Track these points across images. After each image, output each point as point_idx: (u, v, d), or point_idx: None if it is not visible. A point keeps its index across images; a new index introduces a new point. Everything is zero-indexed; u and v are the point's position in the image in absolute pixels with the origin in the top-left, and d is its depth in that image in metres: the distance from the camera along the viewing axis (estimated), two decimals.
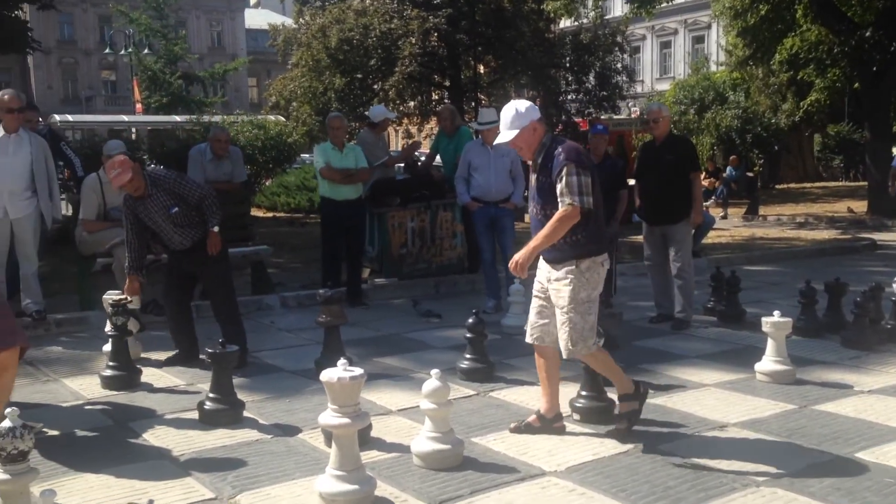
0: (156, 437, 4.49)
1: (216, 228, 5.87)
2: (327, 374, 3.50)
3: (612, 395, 4.78)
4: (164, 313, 7.15)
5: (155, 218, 5.77)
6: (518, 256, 4.25)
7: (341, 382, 3.45)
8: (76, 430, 4.63)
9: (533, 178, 4.37)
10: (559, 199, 4.15)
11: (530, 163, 4.37)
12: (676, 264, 7.14)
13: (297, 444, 4.37)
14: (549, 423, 4.46)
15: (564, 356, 4.34)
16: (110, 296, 5.79)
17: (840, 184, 29.23)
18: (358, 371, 3.53)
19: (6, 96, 6.62)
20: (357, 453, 3.56)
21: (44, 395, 5.32)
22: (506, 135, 4.28)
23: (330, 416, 3.50)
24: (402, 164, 10.52)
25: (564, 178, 4.12)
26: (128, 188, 5.65)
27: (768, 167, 27.86)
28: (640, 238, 7.85)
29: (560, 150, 4.20)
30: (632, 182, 7.76)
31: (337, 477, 3.49)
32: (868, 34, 16.06)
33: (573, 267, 4.21)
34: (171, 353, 6.07)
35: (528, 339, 4.51)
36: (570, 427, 4.56)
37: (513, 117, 4.24)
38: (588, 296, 4.23)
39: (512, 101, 4.43)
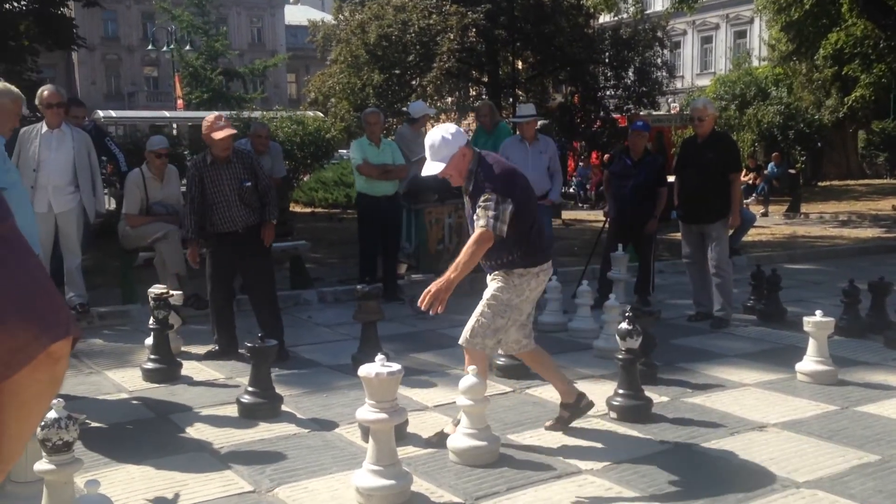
0: (196, 429, 4.55)
1: (274, 221, 6.01)
2: (365, 370, 3.52)
3: (650, 393, 4.76)
4: (205, 307, 7.25)
5: (224, 187, 5.84)
6: (435, 287, 3.99)
7: (379, 378, 3.47)
8: (118, 421, 4.72)
9: (467, 203, 4.31)
10: (476, 223, 4.07)
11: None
12: (713, 262, 7.07)
13: (333, 438, 4.40)
14: (577, 407, 4.46)
15: (460, 341, 4.27)
16: (155, 289, 5.88)
17: (884, 181, 28.63)
18: (396, 367, 3.54)
19: (45, 92, 6.74)
20: (394, 448, 3.58)
21: (87, 388, 5.42)
22: (434, 166, 4.10)
23: (367, 411, 3.52)
24: None
25: (482, 204, 4.03)
26: (225, 143, 5.79)
27: (811, 164, 27.40)
28: (679, 236, 7.78)
29: (484, 178, 4.08)
30: (671, 179, 7.68)
31: (373, 472, 3.51)
32: None
33: (506, 273, 4.20)
34: (209, 348, 6.15)
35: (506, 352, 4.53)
36: (606, 426, 4.54)
37: (440, 145, 4.07)
38: (509, 300, 4.18)
39: (437, 127, 4.27)
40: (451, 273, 4.00)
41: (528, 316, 4.40)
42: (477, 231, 4.01)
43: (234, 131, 5.72)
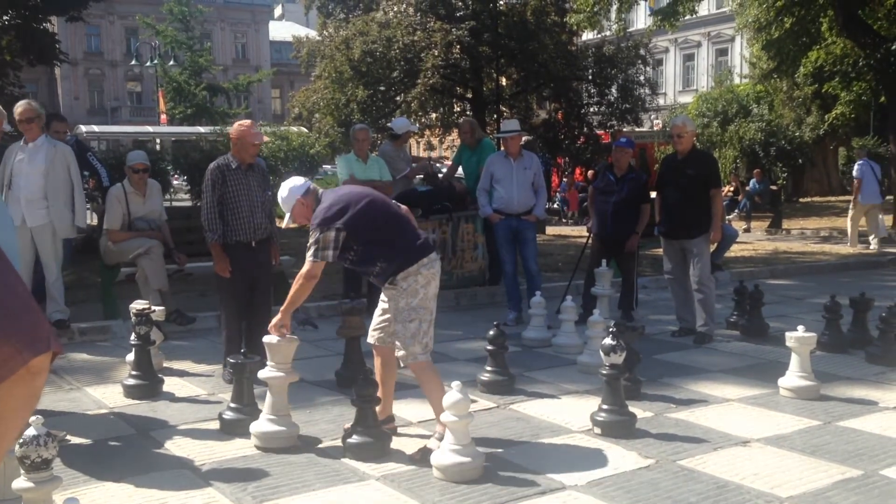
0: (177, 446, 4.51)
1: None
2: (268, 337, 4.42)
3: (634, 408, 4.76)
4: (187, 322, 7.21)
5: (252, 192, 5.81)
6: (275, 320, 4.46)
7: (279, 343, 4.38)
8: (98, 438, 4.67)
9: None
10: None
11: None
12: (695, 278, 7.10)
13: (317, 454, 4.37)
14: (383, 424, 4.50)
15: (402, 364, 4.52)
16: (136, 305, 5.84)
17: None
18: (293, 336, 4.45)
19: (19, 108, 6.76)
20: (286, 402, 4.48)
21: (67, 404, 5.36)
22: (287, 219, 4.61)
23: (269, 371, 4.42)
24: (422, 176, 10.53)
25: (309, 241, 4.35)
26: (258, 149, 5.88)
27: (792, 180, 27.65)
28: (661, 251, 7.82)
29: (314, 218, 4.38)
30: (653, 195, 7.73)
31: (269, 420, 4.41)
32: (894, 47, 15.92)
33: (392, 284, 4.35)
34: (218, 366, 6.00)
35: (369, 340, 4.64)
36: (591, 441, 4.54)
37: (284, 199, 4.52)
38: (407, 303, 4.33)
39: (285, 181, 4.68)
40: (285, 305, 4.45)
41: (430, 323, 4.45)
42: (304, 266, 4.37)
43: (268, 139, 5.75)
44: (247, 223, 5.80)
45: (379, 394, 4.45)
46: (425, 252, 4.38)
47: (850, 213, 14.59)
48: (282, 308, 4.46)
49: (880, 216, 14.48)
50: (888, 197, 17.86)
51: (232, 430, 4.67)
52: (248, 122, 6.03)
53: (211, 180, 5.76)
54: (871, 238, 14.07)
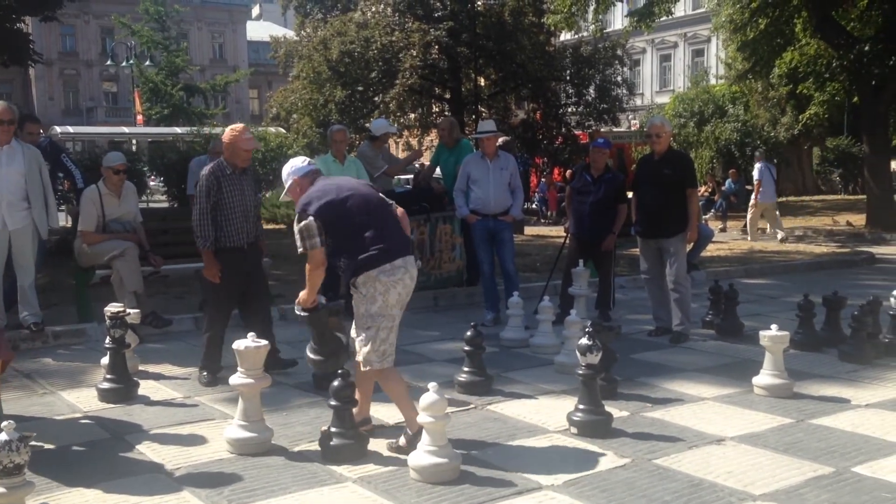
0: (152, 450, 4.48)
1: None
2: (237, 344, 4.37)
3: (610, 408, 4.79)
4: (163, 325, 7.16)
5: (246, 196, 5.82)
6: (302, 297, 4.66)
7: (248, 350, 4.34)
8: (72, 443, 4.62)
9: None
10: None
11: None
12: (671, 278, 7.15)
13: (293, 457, 4.36)
14: (360, 426, 4.52)
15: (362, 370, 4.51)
16: (111, 308, 5.79)
17: (839, 197, 29.25)
18: (262, 342, 4.43)
19: None
20: (258, 408, 4.44)
21: (40, 408, 5.31)
22: (283, 194, 4.82)
23: (238, 378, 4.37)
24: (400, 176, 10.53)
25: (294, 225, 4.45)
26: (250, 154, 5.86)
27: None
28: (638, 251, 7.86)
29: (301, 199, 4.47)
30: (630, 195, 7.77)
31: (241, 426, 4.39)
32: (867, 48, 16.12)
33: (354, 287, 4.40)
34: (199, 376, 5.88)
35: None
36: (567, 441, 4.56)
37: (285, 175, 4.66)
38: (366, 310, 4.35)
39: (291, 160, 4.81)
40: (306, 292, 4.63)
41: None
42: (308, 259, 4.48)
43: (259, 145, 5.71)
44: (241, 228, 5.80)
45: (356, 396, 4.44)
46: (389, 257, 4.31)
47: (750, 212, 16.21)
48: (304, 292, 4.59)
49: (777, 212, 16.34)
50: (860, 196, 18.09)
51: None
52: (240, 126, 5.98)
53: (206, 186, 5.71)
54: (778, 233, 15.74)
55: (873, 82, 16.43)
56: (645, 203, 7.31)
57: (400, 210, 4.66)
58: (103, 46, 52.33)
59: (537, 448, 4.45)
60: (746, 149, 26.13)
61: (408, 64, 21.54)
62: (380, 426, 4.81)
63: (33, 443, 4.28)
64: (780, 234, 15.70)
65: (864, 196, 18.98)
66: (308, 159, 4.80)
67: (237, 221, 5.78)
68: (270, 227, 18.24)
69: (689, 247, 7.77)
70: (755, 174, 16.01)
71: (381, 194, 4.65)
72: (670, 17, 20.86)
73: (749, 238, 15.97)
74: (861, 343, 6.30)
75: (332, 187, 4.45)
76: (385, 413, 5.07)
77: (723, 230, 17.29)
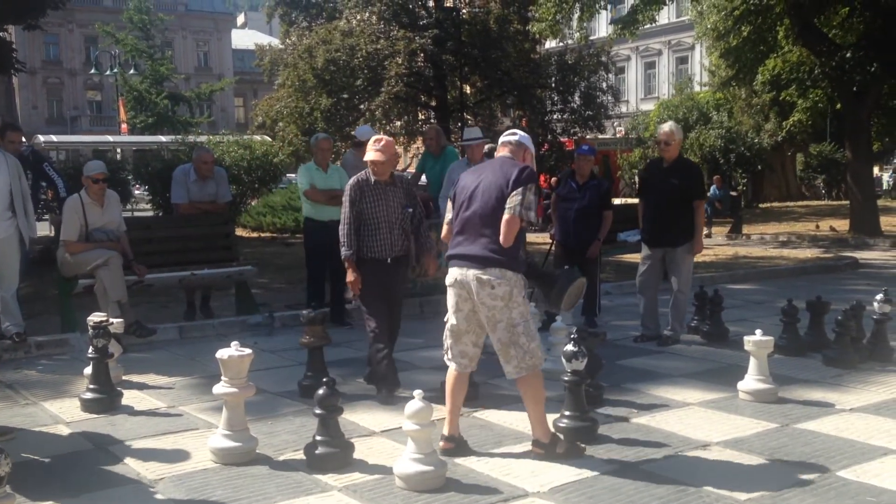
0: (135, 461, 4.44)
1: (433, 252, 5.98)
2: (221, 352, 4.34)
3: (595, 414, 4.78)
4: (147, 334, 7.11)
5: (391, 209, 5.63)
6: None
7: (232, 359, 4.30)
8: (54, 454, 4.58)
9: None
10: None
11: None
12: (676, 285, 7.14)
13: (278, 466, 4.33)
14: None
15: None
16: (94, 317, 5.75)
17: (822, 202, 29.46)
18: (246, 350, 4.38)
19: None
20: (243, 417, 4.42)
21: (22, 419, 5.26)
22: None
23: (222, 387, 4.34)
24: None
25: (514, 194, 4.42)
26: (385, 167, 5.56)
27: (752, 186, 28.11)
28: (625, 257, 7.88)
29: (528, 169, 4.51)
30: (631, 201, 7.73)
31: (225, 436, 4.36)
32: (849, 55, 16.25)
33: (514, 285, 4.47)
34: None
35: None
36: None
37: (521, 141, 4.65)
38: (520, 314, 4.54)
39: (517, 132, 4.80)
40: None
41: (464, 332, 4.58)
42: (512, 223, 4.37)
43: (383, 157, 5.47)
44: (385, 240, 5.65)
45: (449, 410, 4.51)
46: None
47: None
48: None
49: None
50: (844, 201, 18.21)
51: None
52: (374, 137, 5.70)
53: (349, 196, 5.62)
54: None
55: (855, 89, 16.56)
56: (651, 211, 7.27)
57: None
58: (87, 55, 52.18)
59: (523, 455, 4.44)
60: (731, 155, 26.29)
61: (393, 72, 21.59)
62: (366, 434, 4.79)
63: (23, 454, 4.26)
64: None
65: (848, 202, 19.10)
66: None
67: (381, 234, 5.63)
68: (254, 235, 18.20)
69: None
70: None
71: None
72: (654, 24, 20.98)
73: None
74: (845, 347, 6.33)
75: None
76: (370, 421, 5.05)
77: (708, 236, 17.33)
